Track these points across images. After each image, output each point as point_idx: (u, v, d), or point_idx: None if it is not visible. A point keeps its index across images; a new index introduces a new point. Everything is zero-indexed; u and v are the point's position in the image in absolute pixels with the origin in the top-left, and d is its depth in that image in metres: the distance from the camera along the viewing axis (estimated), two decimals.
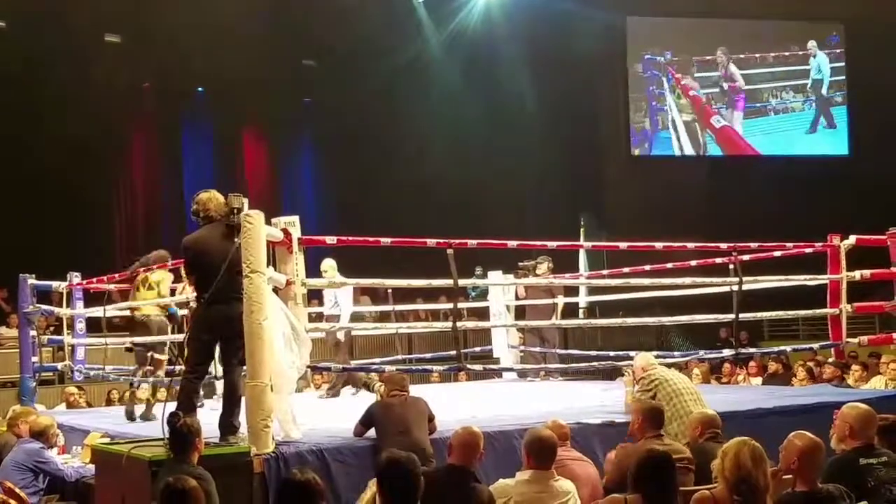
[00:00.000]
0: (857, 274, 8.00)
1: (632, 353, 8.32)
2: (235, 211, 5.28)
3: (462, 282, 7.03)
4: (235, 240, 5.23)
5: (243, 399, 5.29)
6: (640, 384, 6.36)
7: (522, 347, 10.44)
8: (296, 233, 5.96)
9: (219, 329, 5.38)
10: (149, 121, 17.36)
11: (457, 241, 6.70)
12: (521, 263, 10.03)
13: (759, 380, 11.04)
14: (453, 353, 6.98)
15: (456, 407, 7.32)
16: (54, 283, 9.43)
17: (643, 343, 12.58)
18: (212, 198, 5.43)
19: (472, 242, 6.91)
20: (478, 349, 10.98)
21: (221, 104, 17.30)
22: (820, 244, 8.20)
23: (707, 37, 19.61)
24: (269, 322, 5.29)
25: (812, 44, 19.73)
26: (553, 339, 10.32)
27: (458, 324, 6.83)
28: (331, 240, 6.51)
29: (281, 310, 5.59)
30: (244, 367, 5.37)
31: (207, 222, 5.45)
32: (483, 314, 10.89)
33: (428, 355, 10.85)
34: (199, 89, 17.57)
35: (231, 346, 5.38)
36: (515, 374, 10.44)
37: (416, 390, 6.77)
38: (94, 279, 9.30)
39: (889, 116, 17.19)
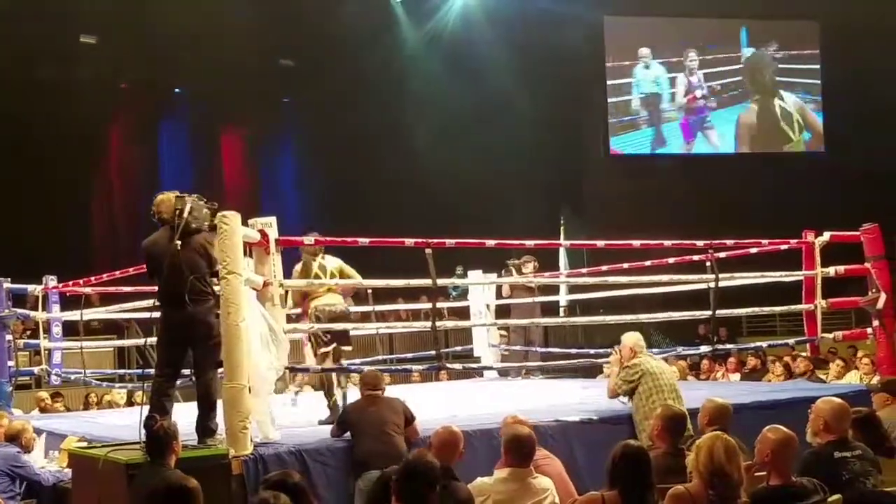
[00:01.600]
0: (831, 270, 8.08)
1: (611, 351, 8.37)
2: (177, 213, 5.27)
3: (441, 281, 7.03)
4: (176, 241, 5.22)
5: (221, 401, 5.28)
6: (624, 372, 6.28)
7: (504, 346, 10.46)
8: (273, 234, 5.95)
9: (178, 332, 5.37)
10: (126, 121, 17.27)
11: (435, 240, 6.71)
12: (508, 261, 10.07)
13: (737, 376, 11.12)
14: (434, 352, 6.99)
15: (436, 406, 7.33)
16: (30, 287, 9.36)
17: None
18: (164, 200, 5.40)
19: (450, 242, 6.91)
20: (458, 348, 11.00)
21: (199, 105, 17.23)
22: (795, 241, 8.27)
23: (683, 36, 19.69)
24: (247, 323, 5.27)
25: (645, 51, 19.47)
26: (538, 339, 10.36)
27: (438, 323, 6.83)
28: (308, 240, 6.51)
29: (258, 311, 5.58)
30: (220, 370, 5.36)
31: (163, 225, 5.44)
32: (464, 313, 10.90)
33: (409, 355, 10.85)
34: (177, 90, 17.48)
35: (199, 350, 5.36)
36: (496, 372, 10.46)
37: (396, 390, 6.79)
38: (71, 282, 9.24)
39: (863, 113, 17.36)
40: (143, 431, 4.75)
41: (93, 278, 8.90)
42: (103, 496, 4.82)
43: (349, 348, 7.02)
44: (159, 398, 5.32)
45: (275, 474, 3.89)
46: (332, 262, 6.91)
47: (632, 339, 6.46)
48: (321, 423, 6.51)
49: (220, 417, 5.31)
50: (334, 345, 6.77)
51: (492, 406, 7.26)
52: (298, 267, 6.84)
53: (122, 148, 17.35)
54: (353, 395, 7.75)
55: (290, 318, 6.73)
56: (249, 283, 5.57)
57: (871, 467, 4.36)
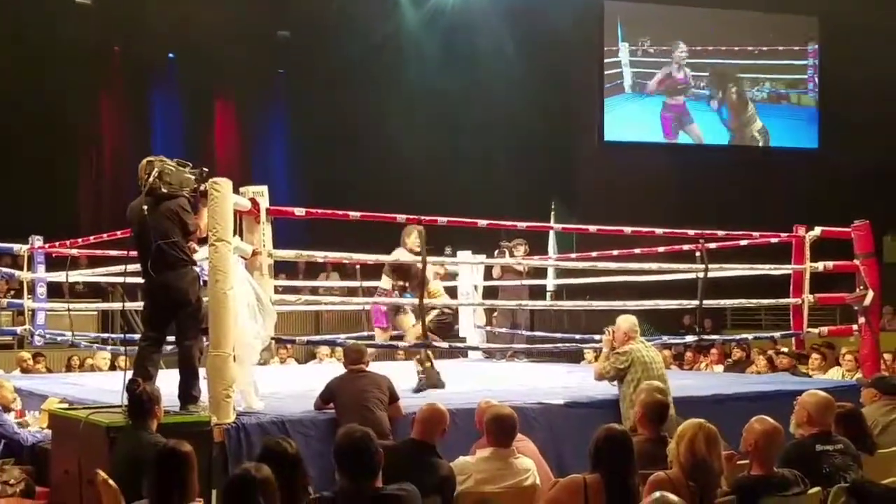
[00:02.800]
0: (820, 265, 8.09)
1: (597, 337, 8.37)
2: (146, 177, 5.25)
3: (431, 259, 7.00)
4: (143, 207, 5.21)
5: (205, 369, 5.26)
6: (614, 357, 6.19)
7: (489, 328, 10.45)
8: (264, 203, 5.89)
9: (156, 299, 5.36)
10: (118, 85, 17.08)
11: (427, 217, 6.67)
12: (502, 243, 10.04)
13: (720, 367, 11.16)
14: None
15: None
16: (15, 246, 9.29)
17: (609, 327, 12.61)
18: (141, 165, 5.37)
19: (442, 220, 6.87)
20: None
21: (193, 71, 17.05)
22: (786, 234, 8.28)
23: (683, 25, 19.59)
24: (234, 292, 5.24)
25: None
26: (525, 322, 10.35)
27: (426, 301, 6.79)
28: (300, 211, 6.46)
29: (246, 280, 5.55)
30: (204, 337, 5.34)
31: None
32: (451, 293, 10.87)
33: (394, 332, 10.81)
34: (171, 55, 17.30)
35: (178, 316, 5.35)
36: (481, 353, 10.46)
37: (380, 367, 6.77)
38: (57, 243, 9.17)
39: (858, 111, 17.36)
40: (126, 395, 4.73)
41: (80, 240, 8.83)
42: (83, 458, 4.80)
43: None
44: (143, 363, 5.30)
45: (272, 438, 3.90)
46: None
47: (627, 322, 6.34)
48: (415, 391, 6.60)
49: (203, 385, 5.29)
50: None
51: (476, 387, 7.27)
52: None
53: (113, 111, 17.17)
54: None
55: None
56: (238, 251, 5.53)
57: (852, 462, 4.37)
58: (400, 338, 7.75)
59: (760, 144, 19.98)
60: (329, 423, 5.47)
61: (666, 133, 19.76)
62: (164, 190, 5.27)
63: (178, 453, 3.65)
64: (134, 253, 5.64)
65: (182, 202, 5.33)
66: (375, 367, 6.15)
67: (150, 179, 5.23)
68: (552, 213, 16.31)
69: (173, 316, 5.35)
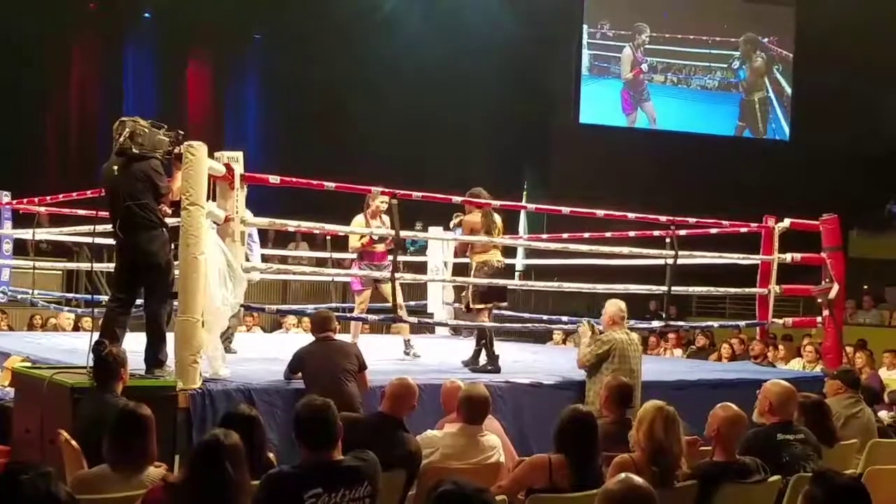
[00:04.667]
0: (788, 256, 8.18)
1: (564, 318, 8.42)
2: (117, 137, 5.20)
3: (403, 233, 6.98)
4: (113, 167, 5.17)
5: (173, 334, 5.21)
6: (596, 344, 6.11)
7: (457, 305, 10.45)
8: (238, 169, 5.83)
9: (125, 260, 5.32)
10: (92, 41, 16.78)
11: (401, 191, 6.64)
12: None
13: (679, 351, 11.27)
14: (388, 304, 6.97)
15: (386, 358, 7.34)
16: None
17: (575, 309, 12.71)
18: (115, 126, 5.31)
19: (416, 194, 6.84)
20: (412, 303, 10.95)
21: (168, 31, 16.79)
22: (755, 225, 8.35)
23: (645, 10, 19.60)
24: (206, 257, 5.19)
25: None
26: None
27: (396, 275, 6.78)
28: (274, 179, 6.39)
29: (218, 245, 5.49)
30: (172, 302, 5.30)
31: None
32: (419, 269, 10.86)
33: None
34: (146, 14, 17.02)
35: (145, 279, 5.31)
36: (448, 330, 10.47)
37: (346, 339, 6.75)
38: (25, 200, 9.02)
39: (830, 105, 17.53)
40: (92, 356, 4.67)
41: (48, 198, 8.70)
42: (46, 417, 4.74)
43: (505, 304, 7.37)
44: (111, 325, 5.25)
45: (236, 405, 3.90)
46: (498, 218, 7.22)
47: (614, 306, 6.28)
48: (472, 369, 6.66)
49: (170, 349, 5.25)
50: (492, 303, 7.06)
51: (442, 362, 7.29)
52: (478, 217, 7.01)
53: (86, 68, 16.89)
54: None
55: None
56: (211, 216, 5.48)
57: (812, 452, 4.42)
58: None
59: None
60: (295, 393, 5.43)
61: (625, 110, 19.81)
62: (135, 150, 5.20)
63: (138, 416, 3.63)
64: (103, 213, 5.57)
65: (154, 164, 5.26)
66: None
67: (122, 140, 5.18)
68: (524, 193, 16.36)
69: (142, 278, 5.29)
